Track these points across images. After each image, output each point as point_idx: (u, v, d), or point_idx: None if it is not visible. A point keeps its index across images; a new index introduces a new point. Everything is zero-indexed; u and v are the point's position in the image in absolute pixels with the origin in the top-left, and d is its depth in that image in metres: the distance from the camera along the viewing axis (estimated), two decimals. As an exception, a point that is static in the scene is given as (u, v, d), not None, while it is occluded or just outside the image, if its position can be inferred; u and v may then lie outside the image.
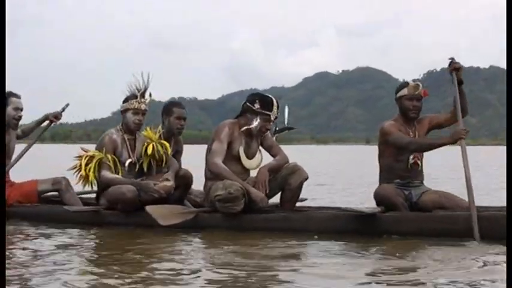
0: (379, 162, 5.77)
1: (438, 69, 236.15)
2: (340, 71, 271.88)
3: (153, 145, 5.86)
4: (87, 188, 5.96)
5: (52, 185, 6.19)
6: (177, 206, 5.72)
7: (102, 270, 3.90)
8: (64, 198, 6.12)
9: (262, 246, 4.77)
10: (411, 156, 5.62)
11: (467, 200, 5.01)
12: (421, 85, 5.65)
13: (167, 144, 5.93)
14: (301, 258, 4.41)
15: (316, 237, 5.05)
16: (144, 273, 3.82)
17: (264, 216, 5.46)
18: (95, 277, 3.73)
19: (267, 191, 5.59)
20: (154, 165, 6.02)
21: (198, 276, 3.77)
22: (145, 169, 5.92)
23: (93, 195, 6.42)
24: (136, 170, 5.91)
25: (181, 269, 3.97)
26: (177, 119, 6.13)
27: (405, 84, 5.70)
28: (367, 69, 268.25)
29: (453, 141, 5.34)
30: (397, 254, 4.37)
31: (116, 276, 3.73)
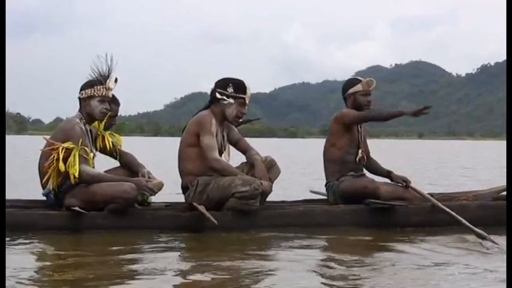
0: (328, 154, 5.71)
1: (492, 63, 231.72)
2: (393, 65, 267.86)
3: (108, 138, 5.42)
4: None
5: None
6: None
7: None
8: None
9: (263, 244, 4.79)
10: (360, 150, 5.68)
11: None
12: (374, 81, 5.70)
13: (119, 137, 5.57)
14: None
15: (253, 232, 5.02)
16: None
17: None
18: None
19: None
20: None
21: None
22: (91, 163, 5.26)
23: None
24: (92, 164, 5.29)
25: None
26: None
27: (357, 80, 5.70)
28: (420, 63, 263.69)
29: (413, 115, 5.42)
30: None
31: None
